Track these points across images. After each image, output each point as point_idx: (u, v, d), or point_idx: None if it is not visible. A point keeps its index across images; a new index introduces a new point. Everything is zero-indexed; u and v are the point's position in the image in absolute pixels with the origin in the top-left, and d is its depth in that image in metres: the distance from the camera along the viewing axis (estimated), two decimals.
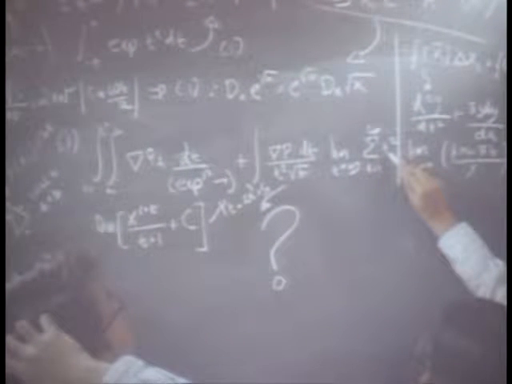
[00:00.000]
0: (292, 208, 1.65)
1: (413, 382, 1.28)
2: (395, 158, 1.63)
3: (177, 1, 1.63)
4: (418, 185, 1.57)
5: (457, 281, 1.53)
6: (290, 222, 1.65)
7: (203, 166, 1.66)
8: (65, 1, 1.64)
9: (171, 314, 1.63)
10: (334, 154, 1.64)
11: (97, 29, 1.64)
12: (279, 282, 1.66)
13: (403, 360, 1.34)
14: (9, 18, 1.64)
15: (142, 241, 1.67)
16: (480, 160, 1.63)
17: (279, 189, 1.65)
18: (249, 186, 1.65)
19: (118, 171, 1.67)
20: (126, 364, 1.10)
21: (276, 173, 1.65)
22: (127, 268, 1.65)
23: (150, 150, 1.66)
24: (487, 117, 1.62)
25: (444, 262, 1.56)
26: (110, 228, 1.68)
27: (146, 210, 1.67)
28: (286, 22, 1.61)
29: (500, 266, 1.49)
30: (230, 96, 1.64)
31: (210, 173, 1.66)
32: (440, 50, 1.61)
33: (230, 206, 1.66)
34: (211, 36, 1.63)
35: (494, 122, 1.62)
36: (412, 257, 1.64)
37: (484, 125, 1.62)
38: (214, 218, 1.66)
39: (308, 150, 1.64)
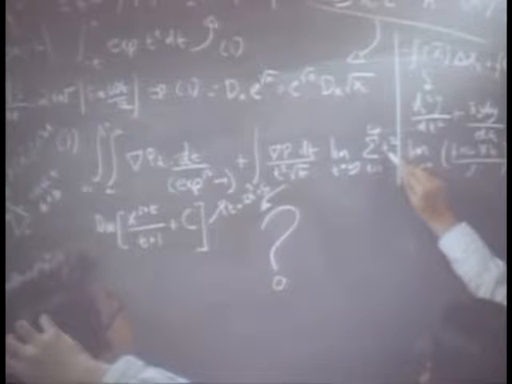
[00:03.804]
0: (292, 208, 1.65)
1: (413, 382, 1.28)
2: (395, 158, 1.63)
3: (177, 1, 1.63)
4: (418, 185, 1.57)
5: (457, 281, 1.53)
6: (290, 222, 1.65)
7: (203, 165, 1.66)
8: (65, 1, 1.64)
9: (171, 313, 1.63)
10: (334, 154, 1.64)
11: (97, 29, 1.64)
12: (279, 282, 1.66)
13: (403, 360, 1.34)
14: (9, 18, 1.64)
15: (141, 241, 1.67)
16: (480, 160, 1.63)
17: (279, 189, 1.65)
18: (249, 186, 1.65)
19: (118, 171, 1.67)
20: (126, 364, 1.10)
21: (276, 173, 1.65)
22: (127, 268, 1.65)
23: (150, 149, 1.66)
24: (487, 117, 1.62)
25: (444, 262, 1.56)
26: (110, 228, 1.68)
27: (145, 210, 1.67)
28: (286, 22, 1.61)
29: (500, 266, 1.49)
30: (230, 96, 1.64)
31: (210, 173, 1.66)
32: (440, 50, 1.60)
33: (230, 206, 1.66)
34: (211, 36, 1.63)
35: (494, 122, 1.62)
36: (412, 257, 1.64)
37: (484, 125, 1.62)
38: (214, 217, 1.66)
39: (308, 150, 1.64)
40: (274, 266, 1.65)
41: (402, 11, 1.60)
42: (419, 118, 1.62)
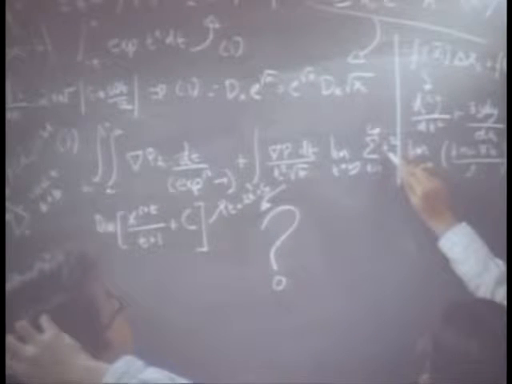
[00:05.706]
0: (292, 208, 1.65)
1: (412, 381, 1.28)
2: (395, 158, 1.63)
3: (177, 1, 1.63)
4: (418, 185, 1.57)
5: (457, 281, 1.53)
6: (290, 222, 1.65)
7: (203, 165, 1.66)
8: (65, 1, 1.64)
9: (171, 313, 1.63)
10: (334, 154, 1.64)
11: (97, 29, 1.64)
12: (279, 282, 1.66)
13: (403, 360, 1.35)
14: (9, 17, 1.65)
15: (141, 241, 1.67)
16: (480, 160, 1.63)
17: (279, 189, 1.65)
18: (249, 186, 1.65)
19: (118, 171, 1.67)
20: (126, 364, 1.10)
21: (276, 173, 1.65)
22: (127, 268, 1.65)
23: (150, 149, 1.66)
24: (487, 117, 1.62)
25: (444, 262, 1.56)
26: (110, 228, 1.68)
27: (145, 210, 1.67)
28: (286, 22, 1.61)
29: (500, 266, 1.49)
30: (230, 96, 1.65)
31: (209, 173, 1.66)
32: (440, 50, 1.60)
33: (230, 206, 1.66)
34: (211, 36, 1.63)
35: (494, 122, 1.62)
36: (412, 257, 1.63)
37: (484, 125, 1.62)
38: (214, 217, 1.66)
39: (308, 150, 1.64)
40: (274, 265, 1.65)
41: (402, 11, 1.60)
42: (419, 118, 1.62)
